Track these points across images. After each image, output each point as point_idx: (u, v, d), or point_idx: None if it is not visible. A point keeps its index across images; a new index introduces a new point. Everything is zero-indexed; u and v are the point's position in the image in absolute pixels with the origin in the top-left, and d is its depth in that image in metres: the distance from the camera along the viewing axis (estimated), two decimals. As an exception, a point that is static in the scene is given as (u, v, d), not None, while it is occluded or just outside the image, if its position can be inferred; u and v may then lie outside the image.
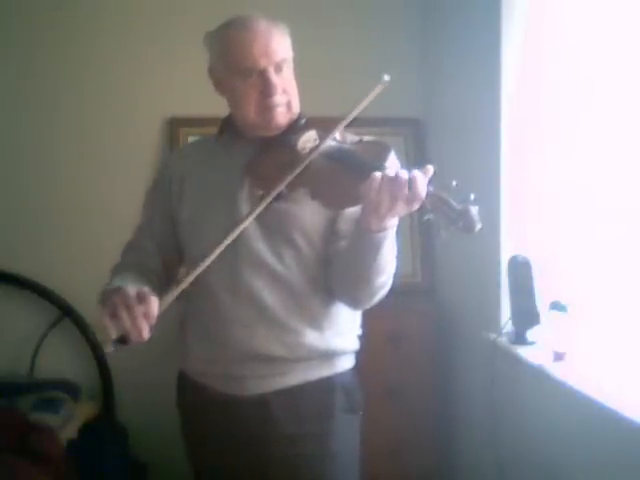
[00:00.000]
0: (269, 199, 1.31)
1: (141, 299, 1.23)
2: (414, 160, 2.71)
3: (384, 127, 2.68)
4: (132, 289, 1.27)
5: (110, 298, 1.26)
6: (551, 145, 2.06)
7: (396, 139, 2.71)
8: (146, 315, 1.22)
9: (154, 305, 1.23)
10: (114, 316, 1.22)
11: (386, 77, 1.38)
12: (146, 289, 1.27)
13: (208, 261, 1.28)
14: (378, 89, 1.38)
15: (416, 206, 1.17)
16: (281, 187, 1.31)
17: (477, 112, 2.26)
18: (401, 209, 1.18)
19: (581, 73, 1.96)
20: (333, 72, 2.54)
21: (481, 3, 2.19)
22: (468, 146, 2.36)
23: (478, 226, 1.13)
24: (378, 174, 1.17)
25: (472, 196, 1.14)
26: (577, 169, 2.00)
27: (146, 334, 1.22)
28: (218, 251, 1.28)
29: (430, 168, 1.17)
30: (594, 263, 1.94)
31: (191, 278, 1.28)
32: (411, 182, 1.15)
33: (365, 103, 1.37)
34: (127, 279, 1.41)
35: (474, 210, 1.13)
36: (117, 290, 1.28)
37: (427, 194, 1.16)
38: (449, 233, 1.15)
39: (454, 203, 1.14)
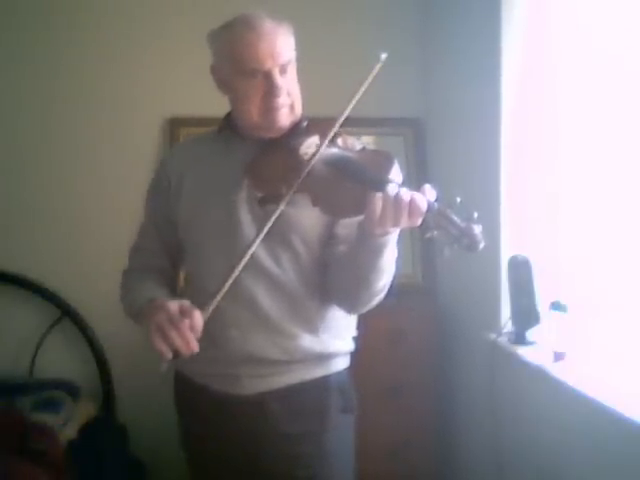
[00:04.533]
0: (282, 207, 1.30)
1: (185, 313, 1.27)
2: (414, 160, 2.71)
3: (384, 127, 2.68)
4: (173, 304, 1.29)
5: (152, 316, 1.29)
6: (551, 145, 2.06)
7: (396, 139, 2.71)
8: (192, 328, 1.26)
9: (199, 318, 1.27)
10: (162, 334, 1.25)
11: (383, 55, 1.36)
12: (187, 302, 1.30)
13: (243, 262, 1.30)
14: (377, 68, 1.37)
15: (419, 221, 1.18)
16: (287, 198, 1.30)
17: (477, 112, 2.26)
18: (404, 224, 1.19)
19: (582, 72, 1.96)
20: (332, 71, 2.54)
21: (481, 3, 2.19)
22: (468, 146, 2.37)
23: (481, 245, 1.14)
24: (379, 195, 1.17)
25: (475, 214, 1.14)
26: (577, 169, 2.00)
27: (196, 347, 1.27)
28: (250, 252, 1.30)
29: (428, 187, 1.19)
30: (594, 263, 1.93)
31: (228, 284, 1.30)
32: (412, 201, 1.16)
33: (366, 84, 1.35)
34: (153, 290, 1.43)
35: (478, 229, 1.13)
36: (157, 306, 1.31)
37: (431, 211, 1.16)
38: (453, 251, 1.15)
39: (458, 221, 1.14)
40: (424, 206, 1.16)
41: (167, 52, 2.58)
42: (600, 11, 1.89)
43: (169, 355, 1.25)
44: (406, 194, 1.16)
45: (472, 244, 1.14)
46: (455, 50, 2.46)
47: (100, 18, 2.57)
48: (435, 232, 1.17)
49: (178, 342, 1.24)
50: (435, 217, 1.16)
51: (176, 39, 2.55)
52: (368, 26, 2.66)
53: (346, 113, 1.36)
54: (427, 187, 1.19)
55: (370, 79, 1.36)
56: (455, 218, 1.14)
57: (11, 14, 2.53)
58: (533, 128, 2.08)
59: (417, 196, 1.16)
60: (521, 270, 2.03)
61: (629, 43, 1.80)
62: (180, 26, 2.55)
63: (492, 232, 2.13)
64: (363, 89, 1.36)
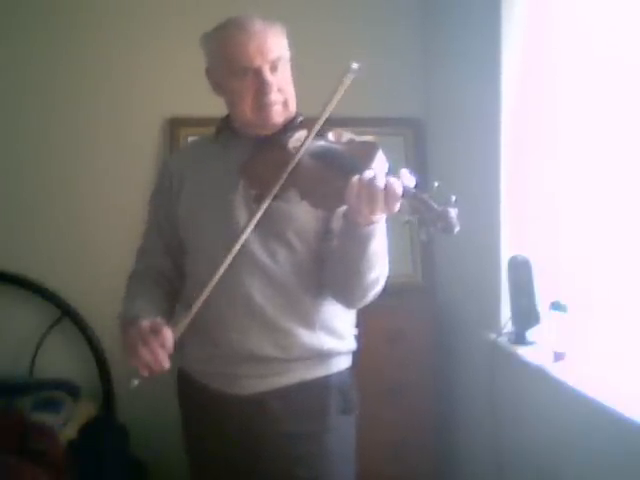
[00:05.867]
0: (264, 205, 1.32)
1: (155, 331, 1.30)
2: (414, 160, 2.71)
3: (384, 127, 2.68)
4: (146, 322, 1.33)
5: (126, 334, 1.35)
6: (551, 145, 2.06)
7: (396, 139, 2.70)
8: (163, 346, 1.30)
9: (168, 335, 1.31)
10: (134, 352, 1.30)
11: (354, 65, 1.35)
12: (159, 320, 1.34)
13: (214, 281, 1.33)
14: (349, 79, 1.36)
15: (396, 207, 1.18)
16: (274, 190, 1.32)
17: (477, 112, 2.26)
18: (381, 210, 1.19)
19: (581, 72, 1.96)
20: (332, 72, 2.53)
21: (481, 3, 2.19)
22: (468, 146, 2.36)
23: (457, 228, 1.14)
24: (356, 178, 1.19)
25: (453, 198, 1.14)
26: (577, 169, 2.00)
27: (167, 364, 1.31)
28: (222, 270, 1.33)
29: (405, 172, 1.19)
30: (594, 263, 1.93)
31: (200, 302, 1.34)
32: (387, 186, 1.17)
33: (338, 95, 1.35)
34: (142, 305, 1.46)
35: (453, 212, 1.14)
36: (131, 324, 1.35)
37: (407, 195, 1.17)
38: (429, 234, 1.16)
39: (434, 205, 1.15)
40: (399, 190, 1.17)
41: (167, 52, 2.58)
42: (600, 10, 1.89)
43: (144, 373, 1.30)
44: (381, 178, 1.17)
45: (447, 227, 1.14)
46: (455, 50, 2.46)
47: (100, 18, 2.57)
48: (412, 216, 1.18)
49: (148, 359, 1.29)
50: (411, 201, 1.17)
51: (176, 39, 2.54)
52: (368, 27, 2.66)
53: (321, 121, 1.36)
54: (404, 172, 1.20)
55: (341, 92, 1.35)
56: (431, 202, 1.15)
57: (11, 14, 2.53)
58: (533, 128, 2.08)
59: (392, 180, 1.17)
60: (521, 270, 2.03)
61: (629, 42, 1.80)
62: (180, 26, 2.54)
63: (492, 232, 2.13)
64: (335, 101, 1.35)
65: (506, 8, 2.06)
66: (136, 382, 1.32)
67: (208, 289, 1.33)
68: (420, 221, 1.16)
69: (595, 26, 1.90)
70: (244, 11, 1.44)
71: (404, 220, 1.19)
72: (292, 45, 1.46)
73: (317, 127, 1.36)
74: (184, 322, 1.34)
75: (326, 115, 1.36)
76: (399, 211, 1.19)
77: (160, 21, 2.59)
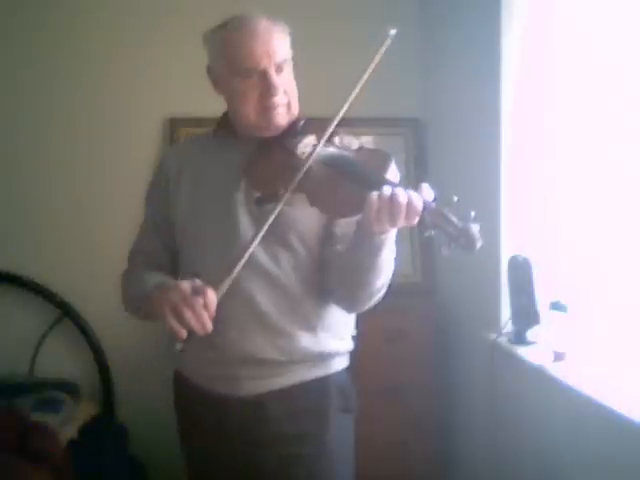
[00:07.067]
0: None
1: (197, 292, 1.25)
2: (413, 160, 2.71)
3: (384, 127, 2.68)
4: (186, 284, 1.27)
5: (165, 297, 1.27)
6: (551, 144, 2.06)
7: (396, 139, 2.71)
8: (206, 307, 1.24)
9: (212, 296, 1.25)
10: (176, 313, 1.24)
11: (392, 31, 1.35)
12: (199, 281, 1.28)
13: (249, 252, 1.29)
14: (387, 43, 1.34)
15: (415, 220, 1.18)
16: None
17: (477, 112, 2.26)
18: (401, 224, 1.19)
19: (582, 72, 1.96)
20: (331, 71, 2.53)
21: (481, 2, 2.19)
22: (468, 146, 2.37)
23: (479, 244, 1.14)
24: (376, 195, 1.17)
25: (473, 213, 1.14)
26: (577, 169, 2.00)
27: (210, 326, 1.25)
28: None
29: (426, 186, 1.18)
30: (594, 263, 1.93)
31: (241, 265, 1.28)
32: (409, 202, 1.16)
33: (376, 60, 1.34)
34: (160, 277, 1.42)
35: (475, 228, 1.13)
36: (169, 287, 1.30)
37: (428, 210, 1.16)
38: (450, 250, 1.16)
39: (455, 220, 1.14)
40: (420, 206, 1.16)
41: (167, 52, 2.58)
42: (600, 11, 1.89)
43: (184, 335, 1.24)
44: (403, 194, 1.16)
45: (470, 243, 1.14)
46: (455, 50, 2.46)
47: (100, 18, 2.57)
48: (433, 231, 1.17)
49: (193, 322, 1.23)
50: (432, 216, 1.16)
51: (176, 39, 2.55)
52: (367, 26, 2.65)
53: (347, 104, 1.34)
54: (425, 186, 1.19)
55: (379, 57, 1.33)
56: (452, 217, 1.14)
57: (11, 14, 2.53)
58: (533, 127, 2.08)
59: (414, 196, 1.16)
60: (521, 270, 2.03)
61: (628, 43, 1.80)
62: (180, 26, 2.54)
63: (492, 232, 2.13)
64: (372, 67, 1.33)
65: (506, 7, 2.06)
66: (180, 346, 1.26)
67: (244, 259, 1.28)
68: (442, 236, 1.16)
69: (595, 26, 1.90)
70: (244, 10, 1.44)
71: (425, 234, 1.18)
72: (292, 46, 1.46)
73: (330, 129, 1.34)
74: (225, 283, 1.28)
75: (353, 95, 1.33)
76: (420, 226, 1.18)
77: (160, 21, 2.59)
